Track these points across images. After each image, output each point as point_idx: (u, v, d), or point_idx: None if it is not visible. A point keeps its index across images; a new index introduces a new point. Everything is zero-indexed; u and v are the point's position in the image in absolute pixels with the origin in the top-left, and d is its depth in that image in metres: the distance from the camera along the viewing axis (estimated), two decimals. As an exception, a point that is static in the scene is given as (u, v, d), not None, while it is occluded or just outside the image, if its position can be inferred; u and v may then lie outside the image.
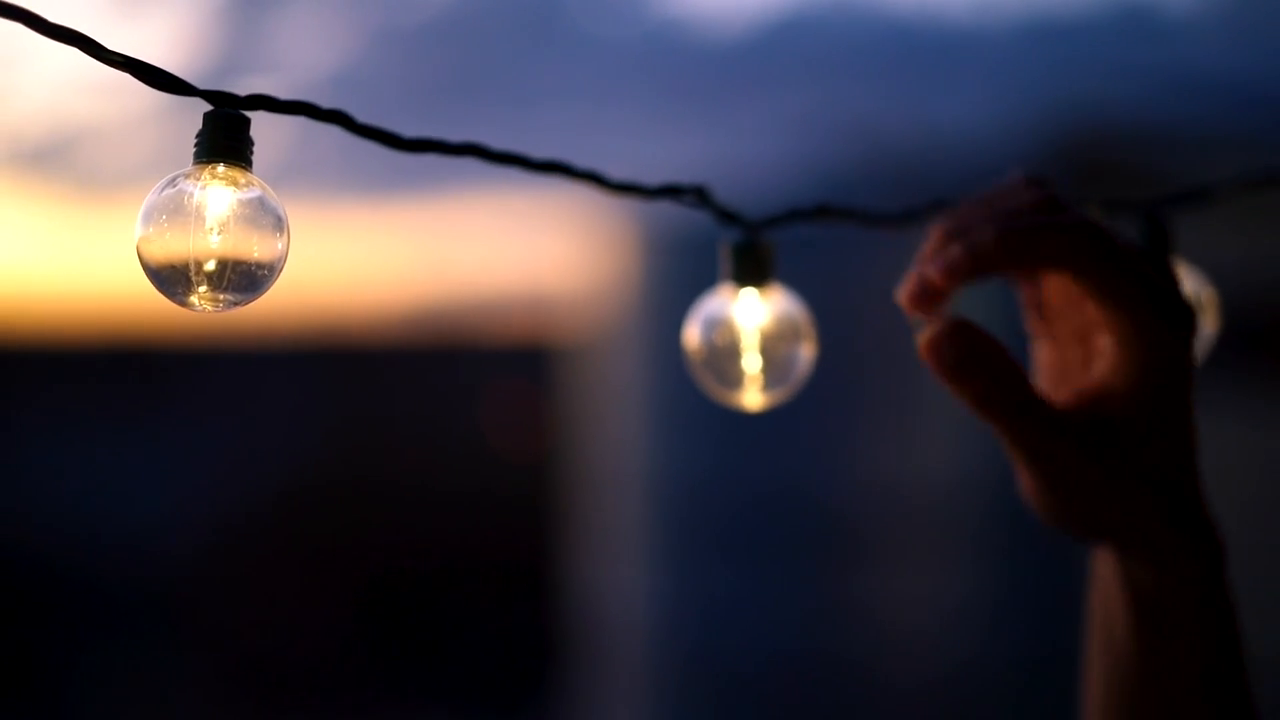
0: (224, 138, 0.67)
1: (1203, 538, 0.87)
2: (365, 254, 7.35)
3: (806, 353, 0.88)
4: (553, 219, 6.23)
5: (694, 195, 0.86)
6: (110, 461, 7.42)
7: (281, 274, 0.68)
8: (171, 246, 0.66)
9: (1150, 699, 0.89)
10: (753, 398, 0.87)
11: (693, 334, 0.88)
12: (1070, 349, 0.89)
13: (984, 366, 0.83)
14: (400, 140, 0.74)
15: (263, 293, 0.68)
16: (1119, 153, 4.46)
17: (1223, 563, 0.88)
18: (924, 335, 0.83)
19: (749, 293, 0.88)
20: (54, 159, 7.26)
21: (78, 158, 7.28)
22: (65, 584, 7.04)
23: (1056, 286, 0.89)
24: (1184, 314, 0.84)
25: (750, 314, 0.88)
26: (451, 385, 7.71)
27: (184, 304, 0.67)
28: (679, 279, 4.84)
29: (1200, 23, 5.82)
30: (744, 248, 0.87)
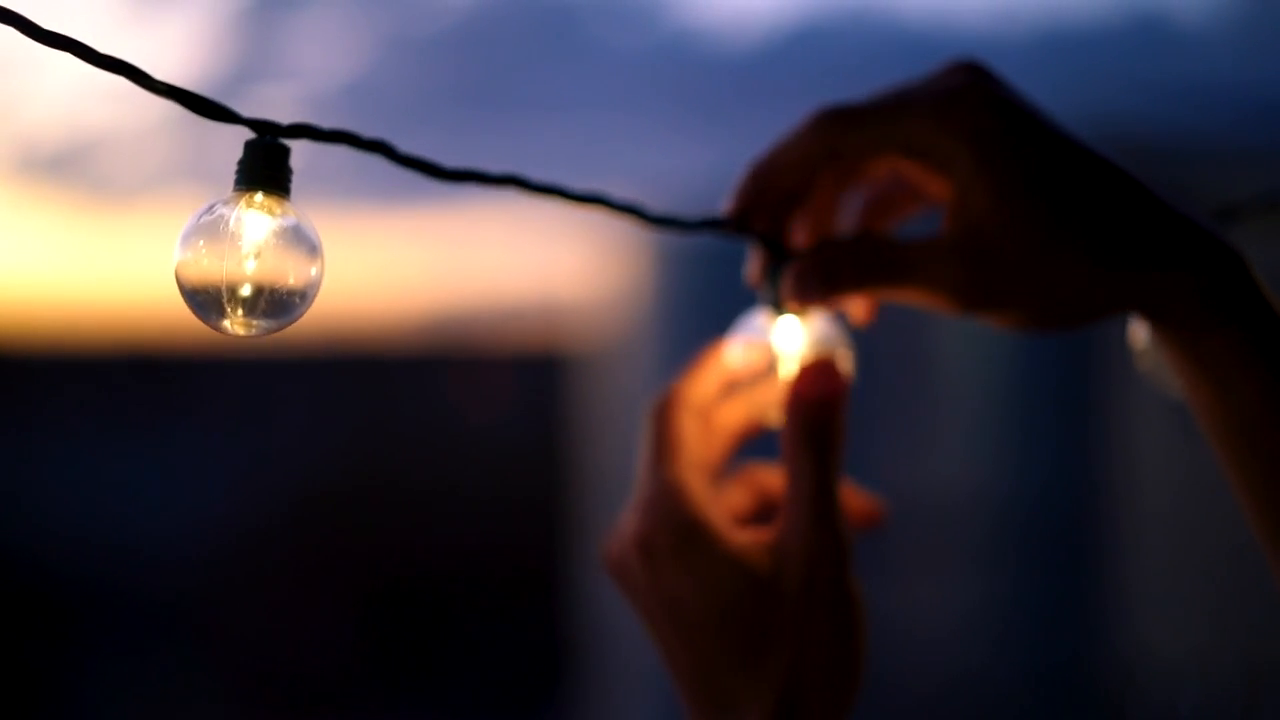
0: (264, 167, 0.69)
1: (1190, 251, 0.80)
2: (378, 262, 7.36)
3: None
4: (565, 228, 6.24)
5: (733, 227, 0.87)
6: (123, 469, 7.44)
7: (314, 299, 0.70)
8: (208, 271, 0.68)
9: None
10: (778, 418, 0.88)
11: (733, 353, 0.90)
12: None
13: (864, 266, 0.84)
14: (442, 171, 0.75)
15: (295, 319, 0.70)
16: (1138, 165, 4.45)
17: (1240, 267, 0.80)
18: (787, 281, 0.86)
19: (788, 319, 0.89)
20: (69, 166, 7.28)
21: (92, 165, 7.30)
22: (77, 591, 7.06)
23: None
24: (963, 97, 0.81)
25: (789, 339, 0.89)
26: (464, 393, 7.72)
27: (217, 328, 0.69)
28: (692, 289, 4.84)
29: (1217, 34, 5.82)
30: (780, 276, 0.87)
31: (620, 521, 0.89)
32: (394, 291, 7.61)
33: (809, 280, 0.85)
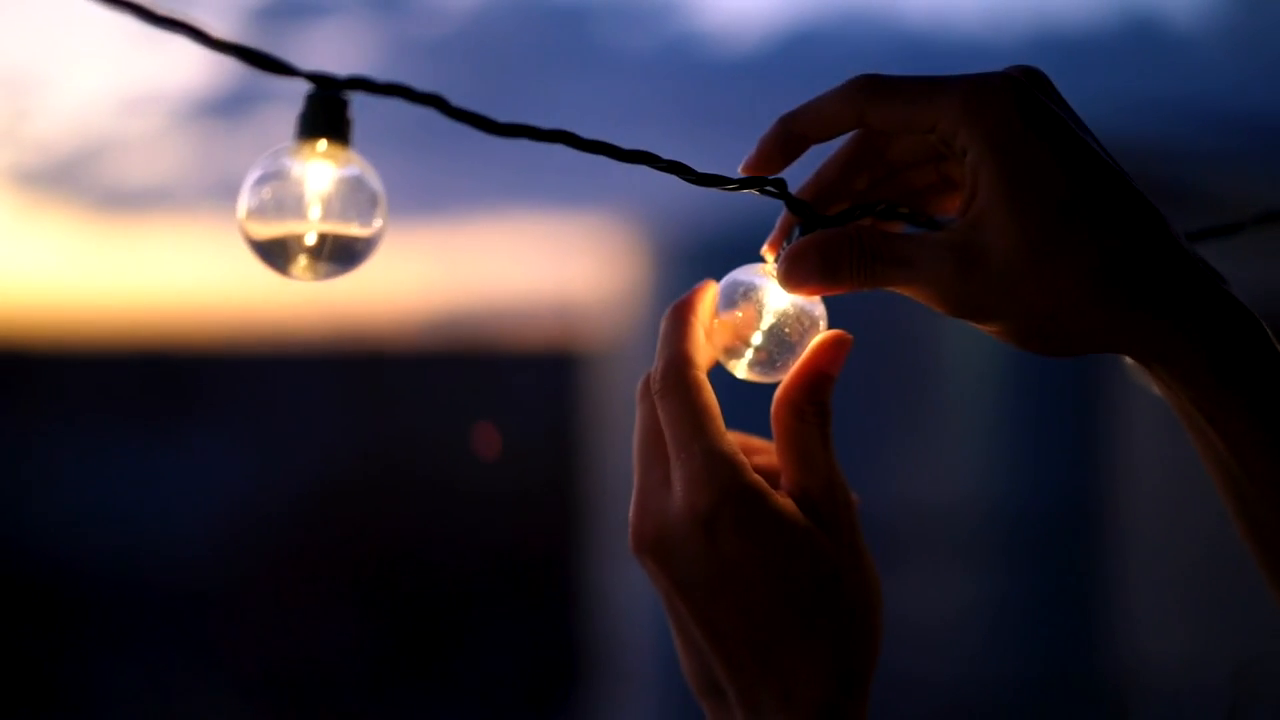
0: (325, 117, 0.70)
1: (1200, 307, 0.76)
2: (391, 263, 7.39)
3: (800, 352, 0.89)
4: (574, 230, 6.26)
5: (773, 186, 0.88)
6: (137, 466, 7.46)
7: (379, 247, 0.72)
8: (273, 220, 0.70)
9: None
10: (741, 369, 0.89)
11: (716, 294, 0.90)
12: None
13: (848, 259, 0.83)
14: (495, 124, 0.76)
15: (360, 265, 0.71)
16: (1129, 168, 4.47)
17: (1255, 329, 0.76)
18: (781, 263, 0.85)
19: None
20: (80, 173, 7.31)
21: (103, 172, 7.33)
22: (89, 585, 7.07)
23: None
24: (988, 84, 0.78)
25: (778, 298, 0.89)
26: (476, 392, 7.74)
27: (285, 274, 0.71)
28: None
29: (1209, 41, 5.84)
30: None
31: (649, 502, 0.86)
32: (407, 290, 7.62)
33: (805, 266, 0.84)
